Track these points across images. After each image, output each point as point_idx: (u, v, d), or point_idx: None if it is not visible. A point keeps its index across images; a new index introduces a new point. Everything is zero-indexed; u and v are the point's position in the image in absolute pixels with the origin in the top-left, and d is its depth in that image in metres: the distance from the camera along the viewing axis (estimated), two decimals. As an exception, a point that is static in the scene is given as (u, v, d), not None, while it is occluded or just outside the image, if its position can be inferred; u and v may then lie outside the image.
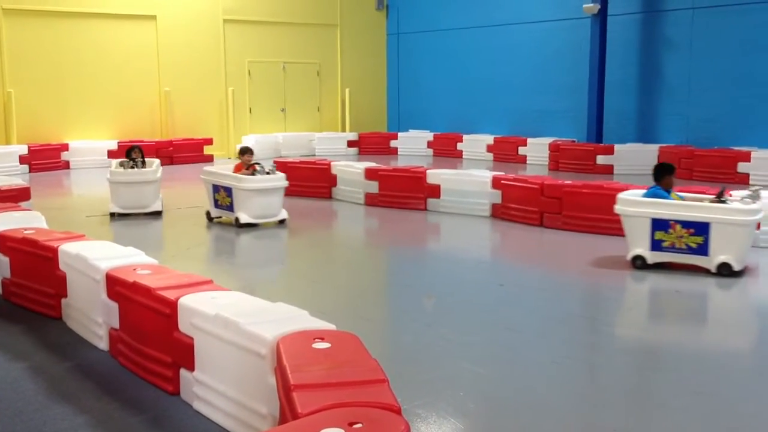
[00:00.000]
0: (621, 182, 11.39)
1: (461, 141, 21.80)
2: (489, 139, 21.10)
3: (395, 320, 6.78)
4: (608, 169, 17.17)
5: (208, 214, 11.15)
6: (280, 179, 10.79)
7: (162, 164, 12.38)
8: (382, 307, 7.38)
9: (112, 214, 11.37)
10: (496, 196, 11.73)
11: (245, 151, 11.24)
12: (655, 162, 17.14)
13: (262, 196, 10.61)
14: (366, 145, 22.98)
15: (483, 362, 5.53)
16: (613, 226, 10.02)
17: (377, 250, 10.51)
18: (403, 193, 12.71)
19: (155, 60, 20.73)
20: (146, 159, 12.09)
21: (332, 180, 13.82)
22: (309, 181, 13.91)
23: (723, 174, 15.47)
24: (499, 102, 22.13)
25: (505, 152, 20.26)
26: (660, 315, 7.17)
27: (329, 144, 22.48)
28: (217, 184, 10.89)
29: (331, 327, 4.17)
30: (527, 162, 19.50)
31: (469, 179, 12.25)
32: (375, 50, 25.26)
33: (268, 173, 10.69)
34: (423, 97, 24.41)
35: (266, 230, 10.61)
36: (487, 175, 12.16)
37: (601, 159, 17.51)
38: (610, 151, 17.59)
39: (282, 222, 10.82)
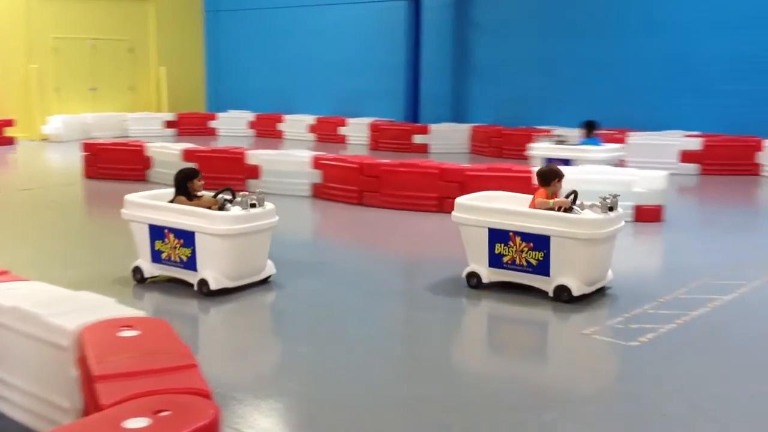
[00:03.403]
0: (435, 161, 11.81)
1: (282, 121, 21.70)
2: (310, 119, 21.14)
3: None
4: (424, 148, 17.75)
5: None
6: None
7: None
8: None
9: None
10: (317, 176, 11.78)
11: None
12: (467, 140, 17.98)
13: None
14: (184, 125, 22.28)
15: (303, 341, 5.56)
16: (428, 203, 10.44)
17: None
18: (222, 174, 12.42)
19: (-55, 34, 19.04)
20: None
21: (147, 162, 13.32)
22: (121, 163, 13.36)
23: (529, 151, 16.39)
24: (320, 82, 22.20)
25: (327, 132, 20.39)
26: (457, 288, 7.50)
27: (144, 125, 21.58)
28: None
29: (140, 314, 4.03)
30: (348, 142, 19.74)
31: (290, 159, 12.25)
32: (192, 27, 24.52)
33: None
34: (243, 77, 24.03)
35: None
36: (307, 155, 12.20)
37: (417, 138, 18.06)
38: (425, 130, 18.20)
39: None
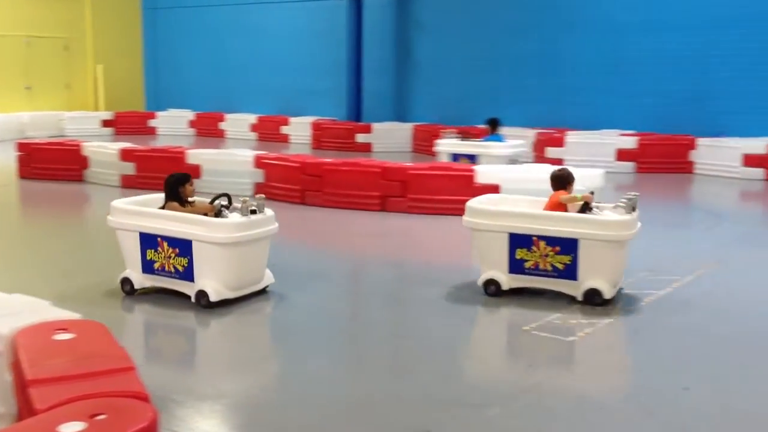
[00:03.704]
0: (378, 159, 11.83)
1: (224, 120, 21.48)
2: (252, 118, 20.98)
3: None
4: (367, 147, 17.78)
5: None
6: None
7: None
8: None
9: None
10: (259, 176, 11.69)
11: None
12: (410, 139, 18.07)
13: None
14: (122, 124, 21.87)
15: (243, 340, 5.52)
16: (371, 202, 10.46)
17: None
18: (161, 174, 12.15)
19: None
20: None
21: (84, 162, 13.04)
22: (57, 163, 13.06)
23: (471, 150, 16.55)
24: (262, 81, 22.05)
25: (269, 131, 20.27)
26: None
27: (81, 124, 21.12)
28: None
29: (76, 316, 3.95)
30: (291, 141, 19.65)
31: (231, 159, 12.14)
32: (129, 25, 24.09)
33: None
34: (183, 75, 23.71)
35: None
36: (248, 154, 12.11)
37: (360, 137, 18.09)
38: (368, 129, 18.23)
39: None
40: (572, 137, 15.11)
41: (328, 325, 6.01)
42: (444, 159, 12.56)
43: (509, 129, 16.73)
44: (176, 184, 6.42)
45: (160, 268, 6.22)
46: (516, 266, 6.28)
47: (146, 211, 6.34)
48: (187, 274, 6.08)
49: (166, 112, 22.69)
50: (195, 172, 12.05)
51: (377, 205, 10.47)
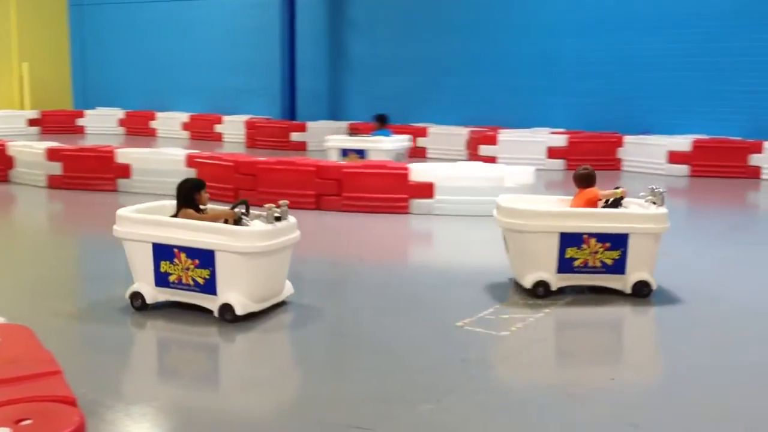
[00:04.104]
0: (312, 158, 11.80)
1: (155, 119, 21.13)
2: (184, 116, 20.70)
3: (88, 311, 6.37)
4: (302, 146, 17.72)
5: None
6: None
7: None
8: (71, 298, 6.88)
9: None
10: (191, 175, 11.48)
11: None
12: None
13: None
14: (49, 123, 21.30)
15: (178, 345, 5.45)
16: (306, 201, 10.43)
17: (63, 237, 9.83)
18: (90, 174, 12.02)
19: None
20: None
21: (9, 162, 12.66)
22: (-21, 163, 12.65)
23: (405, 148, 16.66)
24: (194, 79, 21.76)
25: (202, 130, 20.03)
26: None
27: (6, 123, 20.47)
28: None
29: (0, 320, 3.85)
30: (224, 140, 19.45)
31: (162, 158, 11.97)
32: (56, 22, 23.49)
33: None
34: (113, 73, 23.24)
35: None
36: (180, 153, 11.95)
37: (294, 136, 18.02)
38: (302, 128, 18.16)
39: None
40: (505, 135, 15.34)
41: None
42: (334, 154, 13.06)
43: (443, 128, 16.95)
44: (192, 190, 5.99)
45: (176, 281, 5.78)
46: (565, 266, 6.28)
47: (161, 220, 5.87)
48: (209, 287, 5.68)
49: (95, 110, 22.21)
50: (125, 171, 11.86)
51: (312, 203, 10.45)
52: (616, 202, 6.49)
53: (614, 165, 14.92)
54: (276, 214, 5.75)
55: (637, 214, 6.35)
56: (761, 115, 14.69)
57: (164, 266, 5.78)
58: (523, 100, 17.16)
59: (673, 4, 15.51)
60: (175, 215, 5.94)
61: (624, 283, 6.32)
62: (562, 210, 6.52)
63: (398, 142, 13.36)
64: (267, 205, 5.79)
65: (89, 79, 23.82)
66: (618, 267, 6.28)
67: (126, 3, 22.62)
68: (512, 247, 6.53)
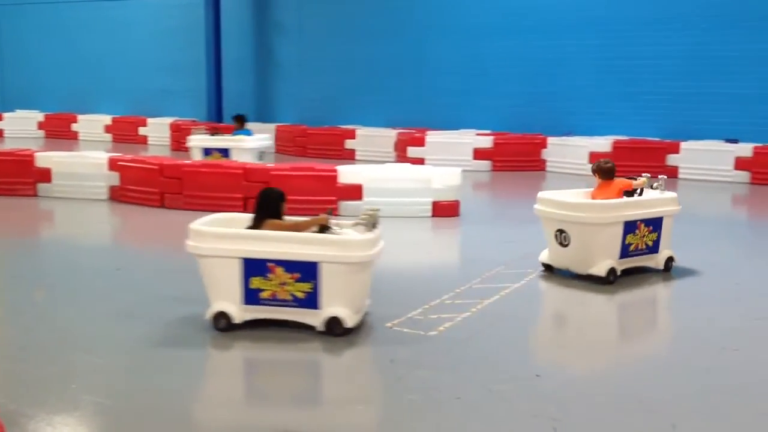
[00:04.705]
0: (239, 161, 11.70)
1: (76, 121, 20.61)
2: (107, 119, 20.28)
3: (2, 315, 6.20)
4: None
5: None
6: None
7: None
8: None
9: None
10: (114, 178, 11.32)
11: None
12: (272, 140, 17.98)
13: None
14: (-36, 126, 20.58)
15: (99, 352, 5.32)
16: (233, 204, 10.31)
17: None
18: (8, 178, 11.65)
19: None
20: None
21: None
22: None
23: (333, 150, 16.69)
24: (117, 80, 21.33)
25: (125, 132, 19.65)
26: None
27: None
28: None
29: None
30: (149, 142, 19.11)
31: (84, 161, 11.68)
32: (-30, 20, 22.65)
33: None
34: (32, 74, 22.61)
35: None
36: (102, 156, 11.68)
37: (222, 138, 17.75)
38: (230, 130, 17.87)
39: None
40: (432, 137, 15.49)
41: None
42: (196, 154, 13.22)
43: (372, 129, 17.02)
44: (278, 200, 5.72)
45: (270, 297, 5.45)
46: (624, 252, 7.00)
47: (252, 234, 5.51)
48: (310, 301, 5.39)
49: (13, 113, 21.53)
50: (45, 176, 11.54)
51: (240, 206, 10.34)
52: (641, 191, 7.27)
53: (539, 166, 15.24)
54: (373, 221, 5.56)
55: (667, 197, 7.32)
56: (677, 117, 15.22)
57: (255, 282, 5.44)
58: (450, 102, 17.37)
59: (591, 7, 15.92)
60: (252, 227, 5.65)
61: (658, 261, 7.28)
62: (623, 201, 7.11)
63: (260, 141, 13.76)
64: (370, 210, 5.62)
65: (7, 80, 23.08)
66: (655, 248, 7.26)
67: (46, 3, 21.99)
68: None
